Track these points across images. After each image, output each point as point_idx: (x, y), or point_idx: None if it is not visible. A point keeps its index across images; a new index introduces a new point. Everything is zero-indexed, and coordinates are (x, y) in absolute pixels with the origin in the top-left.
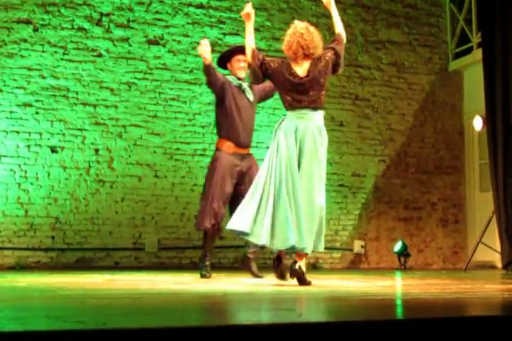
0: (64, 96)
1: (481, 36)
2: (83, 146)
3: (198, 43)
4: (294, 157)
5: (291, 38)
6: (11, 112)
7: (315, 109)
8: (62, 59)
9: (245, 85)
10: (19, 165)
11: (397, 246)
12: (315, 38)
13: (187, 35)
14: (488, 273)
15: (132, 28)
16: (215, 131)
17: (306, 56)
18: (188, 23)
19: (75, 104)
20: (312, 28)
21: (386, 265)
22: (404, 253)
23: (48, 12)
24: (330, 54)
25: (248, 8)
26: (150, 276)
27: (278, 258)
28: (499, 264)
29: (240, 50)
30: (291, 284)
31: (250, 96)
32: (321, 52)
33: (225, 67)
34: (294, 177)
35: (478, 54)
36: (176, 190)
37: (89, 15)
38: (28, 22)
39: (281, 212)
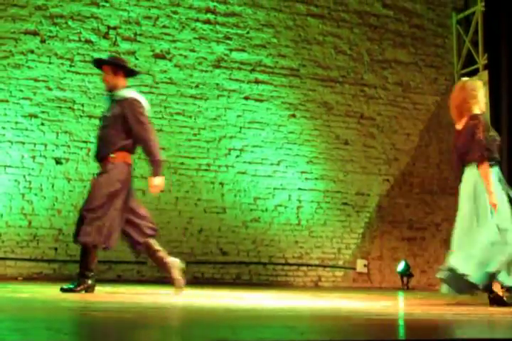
0: (70, 108)
1: (488, 58)
2: (88, 158)
3: (204, 58)
4: None
5: None
6: (17, 123)
7: None
8: (68, 71)
9: (108, 98)
10: (24, 176)
11: (400, 266)
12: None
13: (193, 50)
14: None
15: (139, 41)
16: (220, 146)
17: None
18: (194, 38)
19: (81, 116)
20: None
21: (389, 285)
22: (407, 273)
23: (56, 24)
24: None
25: None
26: (152, 290)
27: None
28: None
29: (99, 64)
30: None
31: (107, 109)
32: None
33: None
34: None
35: (484, 76)
36: (180, 204)
37: (96, 28)
38: (35, 33)
39: None
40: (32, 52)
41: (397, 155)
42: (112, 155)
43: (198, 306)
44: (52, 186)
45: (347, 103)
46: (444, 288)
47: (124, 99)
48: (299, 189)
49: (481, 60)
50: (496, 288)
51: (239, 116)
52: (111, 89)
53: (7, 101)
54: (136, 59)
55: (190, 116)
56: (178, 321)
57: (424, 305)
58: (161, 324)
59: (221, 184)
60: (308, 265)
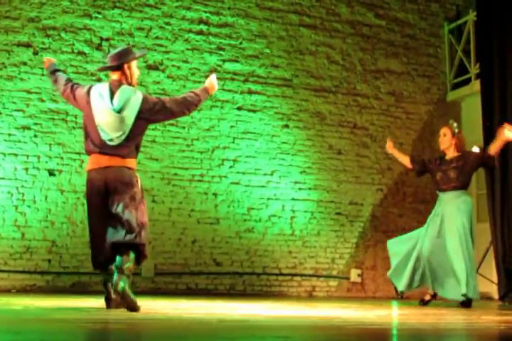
0: (63, 119)
1: (479, 67)
2: (81, 170)
3: (197, 69)
4: None
5: None
6: (10, 135)
7: None
8: None
9: None
10: (17, 188)
11: None
12: None
13: (186, 61)
14: (484, 304)
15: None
16: (213, 157)
17: None
18: (187, 49)
19: (74, 128)
20: None
21: (383, 294)
22: None
23: (48, 36)
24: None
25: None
26: (146, 301)
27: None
28: (496, 296)
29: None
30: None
31: None
32: None
33: (117, 67)
34: None
35: (476, 85)
36: (173, 215)
37: (89, 39)
38: (28, 45)
39: None
40: (25, 64)
41: (390, 164)
42: None
43: (191, 317)
44: (46, 198)
45: (340, 113)
46: None
47: None
48: (293, 199)
49: (473, 70)
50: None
51: (232, 126)
52: None
53: (0, 113)
54: None
55: (184, 127)
56: (170, 332)
57: (417, 315)
58: (155, 335)
59: (214, 194)
60: (302, 275)
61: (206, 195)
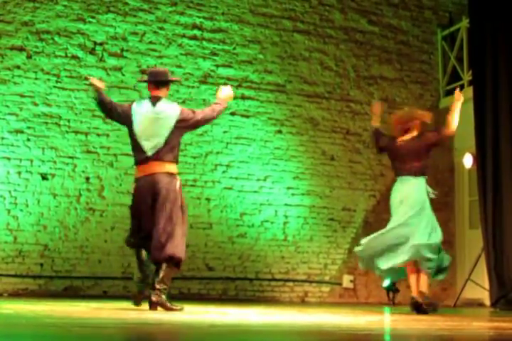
0: (56, 123)
1: (472, 74)
2: (74, 174)
3: (191, 74)
4: None
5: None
6: (3, 138)
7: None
8: (55, 86)
9: None
10: (9, 192)
11: (386, 281)
12: None
13: (180, 66)
14: (476, 311)
15: (125, 57)
16: (206, 162)
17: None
18: (181, 54)
19: (67, 132)
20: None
21: (375, 300)
22: (393, 288)
23: (42, 40)
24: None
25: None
26: (138, 306)
27: None
28: (488, 302)
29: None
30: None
31: None
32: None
33: (166, 83)
34: None
35: (469, 92)
36: None
37: (82, 43)
38: (21, 49)
39: None
40: (18, 67)
41: (382, 170)
42: None
43: (183, 321)
44: (38, 202)
45: (333, 119)
46: None
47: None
48: (286, 204)
49: (466, 76)
50: None
51: (225, 131)
52: None
53: None
54: (123, 75)
55: None
56: (162, 336)
57: (408, 321)
58: (145, 339)
59: (207, 199)
60: (294, 280)
61: (199, 199)
